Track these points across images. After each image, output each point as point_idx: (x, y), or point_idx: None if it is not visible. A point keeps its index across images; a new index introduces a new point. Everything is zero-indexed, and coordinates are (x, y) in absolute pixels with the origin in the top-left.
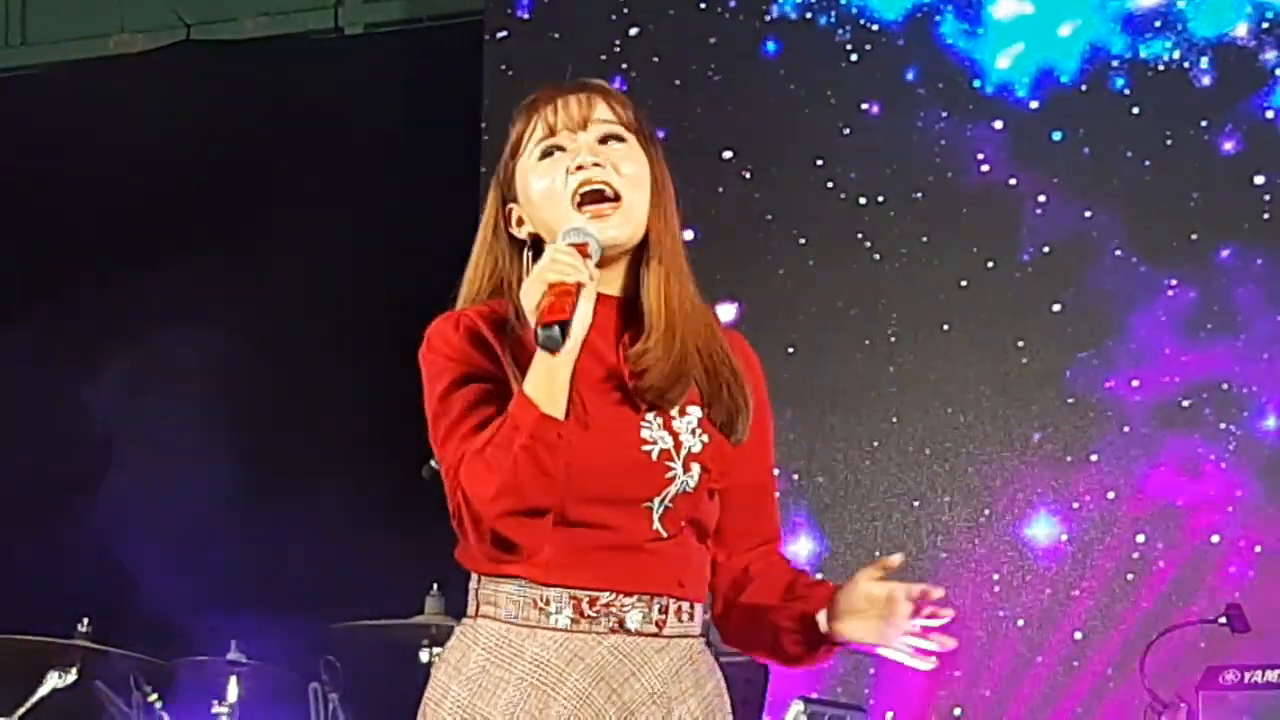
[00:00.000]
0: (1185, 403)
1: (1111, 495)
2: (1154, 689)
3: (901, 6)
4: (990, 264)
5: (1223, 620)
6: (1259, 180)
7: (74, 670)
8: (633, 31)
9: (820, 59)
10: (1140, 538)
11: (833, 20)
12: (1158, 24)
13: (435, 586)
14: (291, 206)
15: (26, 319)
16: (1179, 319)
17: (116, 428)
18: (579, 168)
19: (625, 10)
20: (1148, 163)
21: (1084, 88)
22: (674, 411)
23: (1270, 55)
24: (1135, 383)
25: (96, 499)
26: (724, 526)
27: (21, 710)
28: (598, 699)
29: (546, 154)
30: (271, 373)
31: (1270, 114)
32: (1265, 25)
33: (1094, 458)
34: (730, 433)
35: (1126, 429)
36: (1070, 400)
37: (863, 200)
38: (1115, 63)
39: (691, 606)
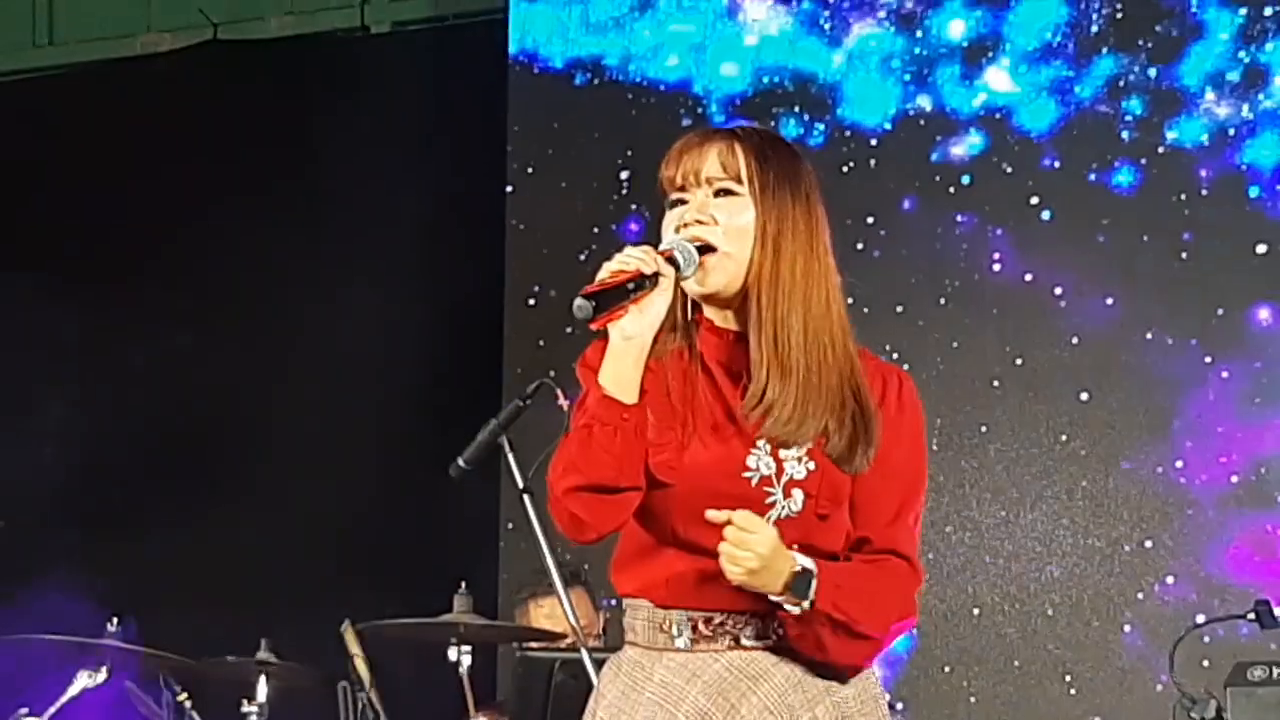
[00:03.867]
0: (1246, 478)
1: (1171, 580)
2: (1182, 684)
3: (885, 112)
4: (1019, 360)
5: (1251, 616)
6: (1261, 249)
7: (104, 670)
8: (635, 171)
9: (822, 177)
10: (1200, 617)
11: (828, 136)
12: (1133, 99)
13: (463, 585)
14: (319, 205)
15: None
16: (1227, 395)
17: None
18: (685, 225)
19: (629, 152)
20: (1158, 243)
21: (1091, 176)
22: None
23: (1225, 111)
24: (1180, 463)
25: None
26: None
27: (52, 710)
28: (716, 715)
29: (674, 204)
30: (299, 368)
31: (1244, 168)
32: (1233, 84)
33: (1148, 544)
34: (846, 462)
35: (1190, 512)
36: (1124, 489)
37: (886, 312)
38: (1102, 144)
39: None
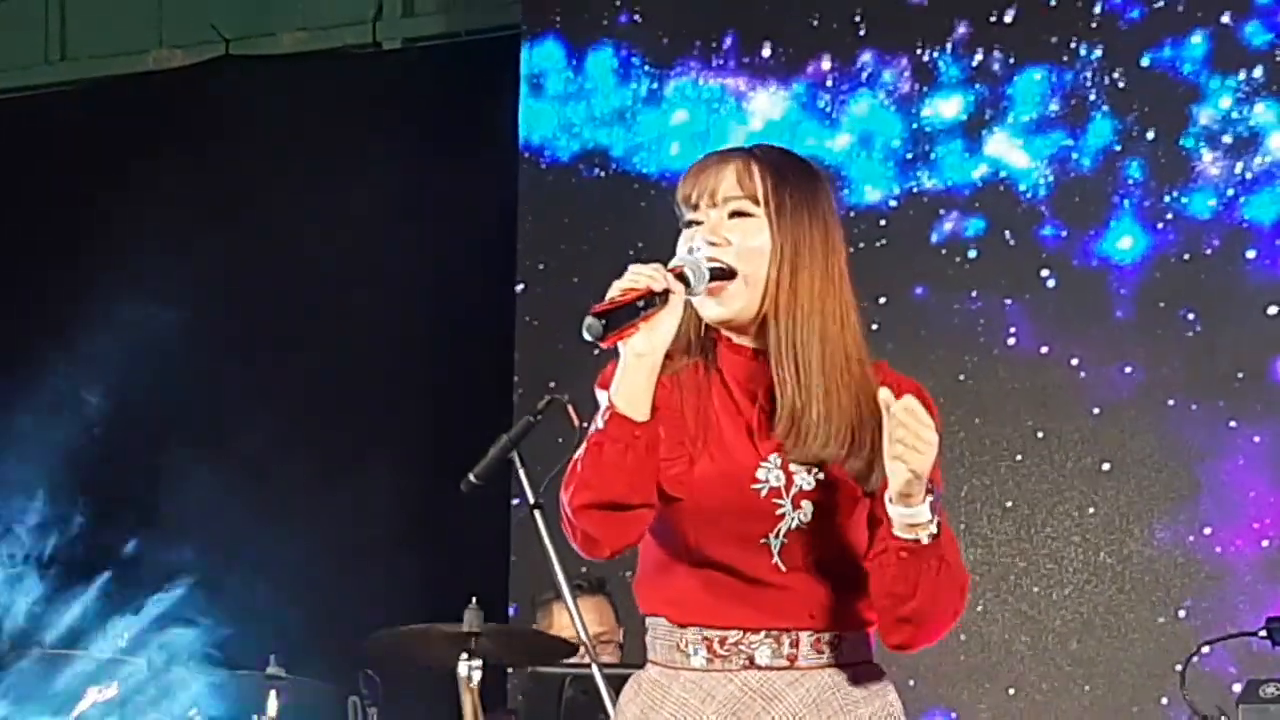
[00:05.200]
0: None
1: (1207, 650)
2: (1194, 702)
3: (889, 191)
4: (1040, 434)
5: (1263, 634)
6: (1272, 310)
7: (114, 685)
8: (646, 263)
9: None
10: (1237, 686)
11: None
12: (1133, 165)
13: (474, 600)
14: (330, 221)
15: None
16: (1257, 459)
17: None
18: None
19: (640, 244)
20: (1170, 309)
21: (1096, 244)
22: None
23: (1225, 173)
24: (1208, 530)
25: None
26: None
27: None
28: None
29: (689, 224)
30: (310, 385)
31: (1247, 229)
32: (1232, 145)
33: (1181, 614)
34: (864, 480)
35: (1224, 580)
36: (1153, 559)
37: None
38: (1106, 211)
39: (837, 637)
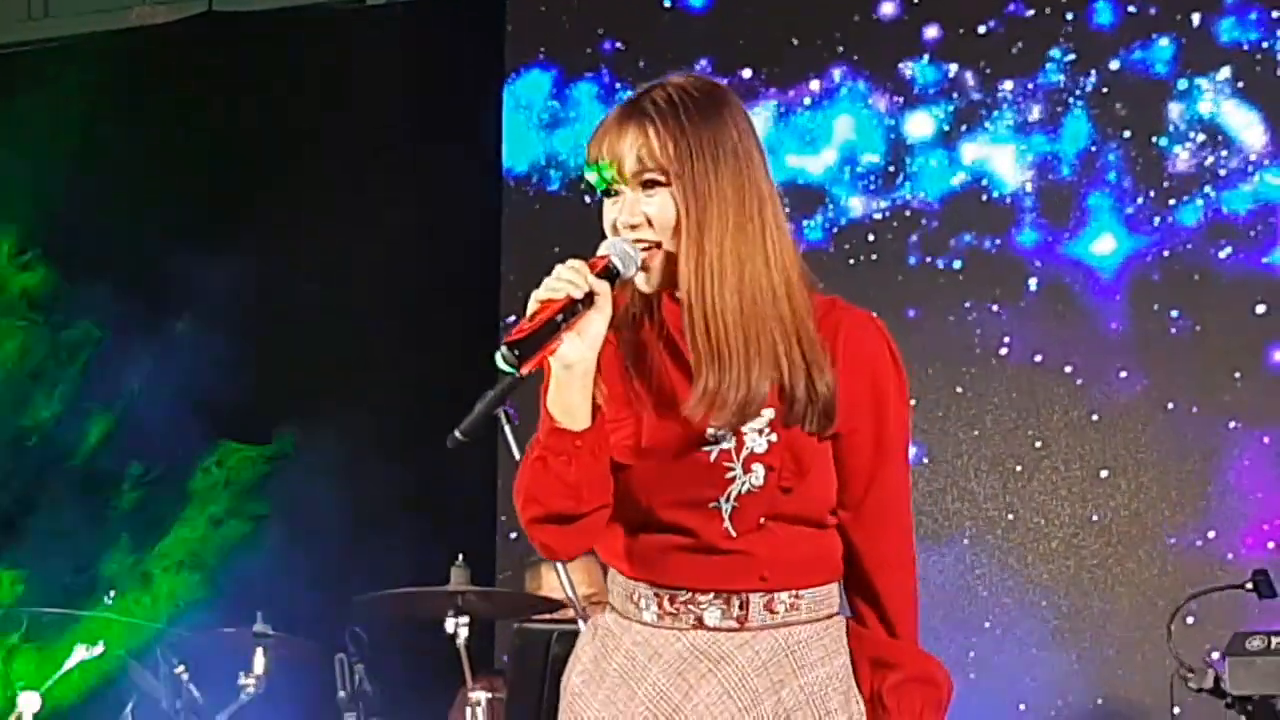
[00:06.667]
0: None
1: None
2: (1180, 654)
3: (875, 205)
4: (1039, 444)
5: (1249, 586)
6: (1260, 309)
7: (101, 642)
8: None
9: (827, 275)
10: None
11: (826, 233)
12: (1114, 168)
13: (460, 557)
14: (313, 180)
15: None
16: (1260, 459)
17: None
18: (620, 228)
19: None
20: (1161, 312)
21: (1082, 249)
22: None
23: (1208, 174)
24: (1212, 534)
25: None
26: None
27: (50, 681)
28: (674, 695)
29: (607, 194)
30: (294, 345)
31: (1230, 228)
32: (1212, 146)
33: (1189, 620)
34: (813, 427)
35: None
36: (1166, 563)
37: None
38: (1089, 215)
39: (795, 596)
